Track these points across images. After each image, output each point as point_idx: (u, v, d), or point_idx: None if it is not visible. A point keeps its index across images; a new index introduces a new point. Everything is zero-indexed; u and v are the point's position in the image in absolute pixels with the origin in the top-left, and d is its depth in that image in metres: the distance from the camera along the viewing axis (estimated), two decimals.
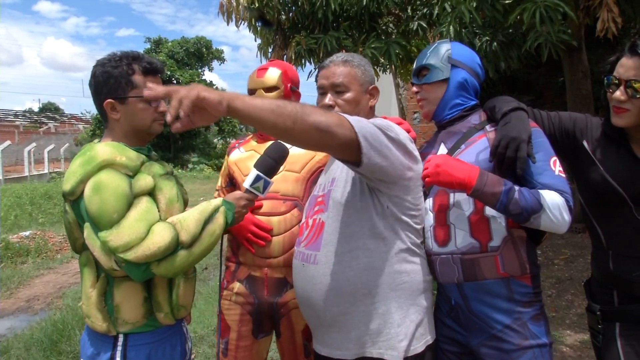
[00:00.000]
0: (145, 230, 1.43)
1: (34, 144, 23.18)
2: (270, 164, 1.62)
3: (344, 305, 1.52)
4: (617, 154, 1.57)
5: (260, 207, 1.90)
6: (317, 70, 1.85)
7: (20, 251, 6.95)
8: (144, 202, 1.49)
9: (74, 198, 1.48)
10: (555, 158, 1.56)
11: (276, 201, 1.91)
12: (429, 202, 1.64)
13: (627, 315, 1.57)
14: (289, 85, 2.04)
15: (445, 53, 1.71)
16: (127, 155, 1.52)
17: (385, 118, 1.67)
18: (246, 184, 1.60)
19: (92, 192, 1.43)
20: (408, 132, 1.63)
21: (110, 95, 1.55)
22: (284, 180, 1.92)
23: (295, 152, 1.92)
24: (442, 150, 1.68)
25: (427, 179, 1.51)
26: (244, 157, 2.04)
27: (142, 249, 1.41)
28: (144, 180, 1.52)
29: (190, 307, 1.74)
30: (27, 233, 7.84)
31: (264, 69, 2.04)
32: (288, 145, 1.64)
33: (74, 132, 33.72)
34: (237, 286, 1.94)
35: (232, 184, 2.09)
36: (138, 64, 1.57)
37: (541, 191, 1.47)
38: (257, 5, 3.98)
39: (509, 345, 1.52)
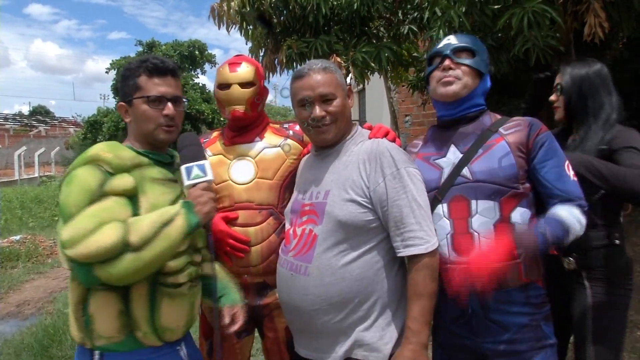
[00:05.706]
0: (92, 227, 1.31)
1: (24, 148, 23.03)
2: (191, 151, 1.57)
3: (334, 313, 1.53)
4: None
5: (236, 218, 1.88)
6: (291, 80, 1.70)
7: (11, 256, 6.89)
8: (109, 201, 1.39)
9: None
10: (567, 162, 1.58)
11: (252, 211, 1.89)
12: (444, 208, 1.57)
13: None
14: (262, 81, 2.01)
15: (487, 53, 1.68)
16: (119, 153, 1.47)
17: (370, 126, 1.70)
18: (186, 182, 1.52)
19: (64, 184, 1.41)
20: (394, 140, 1.64)
21: (122, 98, 1.58)
22: (258, 189, 1.91)
23: (266, 157, 1.93)
24: (454, 153, 1.62)
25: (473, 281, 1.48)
26: (213, 162, 1.92)
27: (82, 247, 1.29)
28: (121, 180, 1.43)
29: (183, 328, 1.56)
30: (18, 237, 7.77)
31: (236, 64, 1.98)
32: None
33: (65, 136, 33.52)
34: None
35: None
36: (144, 65, 1.56)
37: (560, 212, 1.50)
38: (248, 9, 3.99)
39: (523, 346, 1.52)
